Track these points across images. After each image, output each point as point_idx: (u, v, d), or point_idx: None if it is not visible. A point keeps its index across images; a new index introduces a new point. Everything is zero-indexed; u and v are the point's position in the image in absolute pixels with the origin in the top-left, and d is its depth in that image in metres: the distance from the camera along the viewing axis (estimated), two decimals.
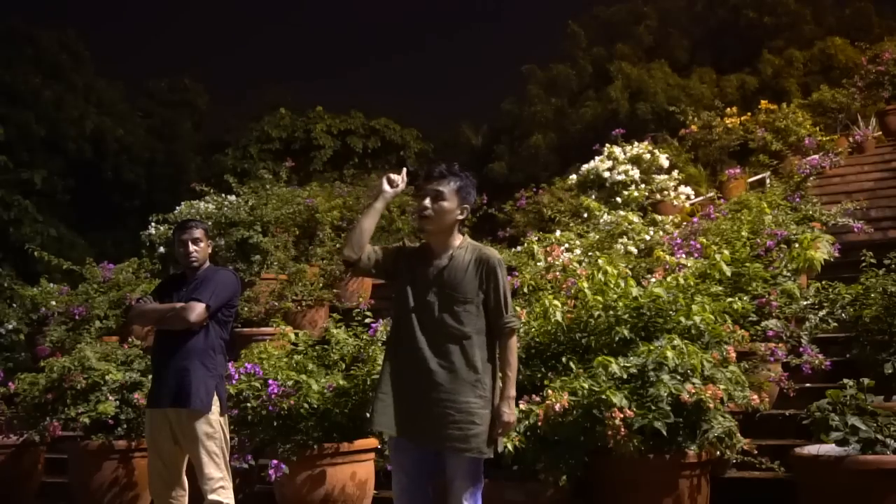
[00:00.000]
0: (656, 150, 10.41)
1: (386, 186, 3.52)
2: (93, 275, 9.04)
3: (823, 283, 6.37)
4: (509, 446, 4.32)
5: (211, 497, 4.15)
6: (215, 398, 4.22)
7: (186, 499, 4.37)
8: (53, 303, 8.68)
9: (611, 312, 5.01)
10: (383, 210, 3.57)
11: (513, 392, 3.45)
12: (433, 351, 3.40)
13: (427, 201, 3.46)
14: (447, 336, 3.40)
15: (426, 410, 3.37)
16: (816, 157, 10.69)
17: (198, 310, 4.19)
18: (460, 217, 3.51)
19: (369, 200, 3.55)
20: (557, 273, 6.18)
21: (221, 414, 4.26)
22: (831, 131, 13.02)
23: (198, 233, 4.38)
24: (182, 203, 9.72)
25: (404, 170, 3.59)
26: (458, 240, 3.54)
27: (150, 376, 6.06)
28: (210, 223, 8.96)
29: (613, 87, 18.79)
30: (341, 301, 8.32)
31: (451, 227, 3.51)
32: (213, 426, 4.19)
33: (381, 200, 3.53)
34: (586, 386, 4.41)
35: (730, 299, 5.35)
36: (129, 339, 6.99)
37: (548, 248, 6.86)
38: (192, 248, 4.34)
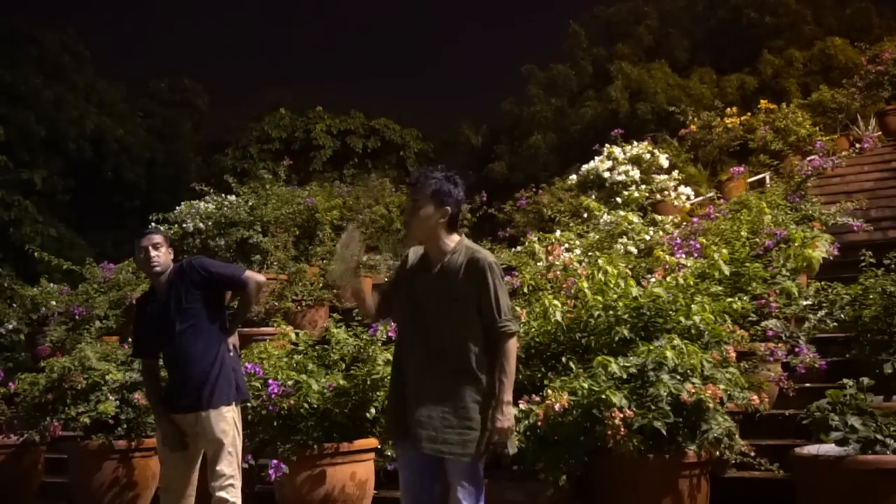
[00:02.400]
0: (656, 151, 10.40)
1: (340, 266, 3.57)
2: (93, 275, 9.04)
3: (823, 283, 6.36)
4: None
5: (219, 494, 4.13)
6: (234, 392, 4.23)
7: (193, 499, 4.37)
8: (53, 303, 8.68)
9: (611, 312, 5.01)
10: (358, 287, 3.62)
11: (507, 397, 3.38)
12: (430, 356, 3.41)
13: (406, 212, 3.50)
14: (444, 340, 3.40)
15: (425, 415, 3.38)
16: (818, 158, 10.64)
17: (255, 277, 4.28)
18: (442, 220, 3.45)
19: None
20: (558, 273, 6.18)
21: (236, 404, 4.25)
22: (831, 131, 13.01)
23: (157, 238, 4.30)
24: (182, 203, 9.72)
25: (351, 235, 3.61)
26: (453, 242, 3.50)
27: None
28: (210, 223, 8.97)
29: (613, 87, 18.79)
30: (341, 301, 8.32)
31: (435, 231, 3.46)
32: (228, 423, 4.20)
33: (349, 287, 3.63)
34: (586, 386, 4.41)
35: (729, 299, 5.35)
36: (130, 339, 6.98)
37: (548, 248, 6.85)
38: (153, 252, 4.24)
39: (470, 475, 3.42)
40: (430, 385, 3.39)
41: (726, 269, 5.75)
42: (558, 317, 5.11)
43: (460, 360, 3.39)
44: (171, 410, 4.30)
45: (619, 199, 9.47)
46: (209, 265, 4.31)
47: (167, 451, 4.31)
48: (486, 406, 3.40)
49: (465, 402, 3.36)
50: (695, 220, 8.02)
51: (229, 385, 4.21)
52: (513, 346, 3.43)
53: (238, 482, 4.22)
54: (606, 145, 10.44)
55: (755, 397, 4.63)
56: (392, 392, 3.61)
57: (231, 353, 4.28)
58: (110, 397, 5.96)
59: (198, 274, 4.22)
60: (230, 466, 4.18)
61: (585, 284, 5.31)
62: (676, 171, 10.28)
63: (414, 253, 3.64)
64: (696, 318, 4.85)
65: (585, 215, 8.85)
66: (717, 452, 4.44)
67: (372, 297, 3.65)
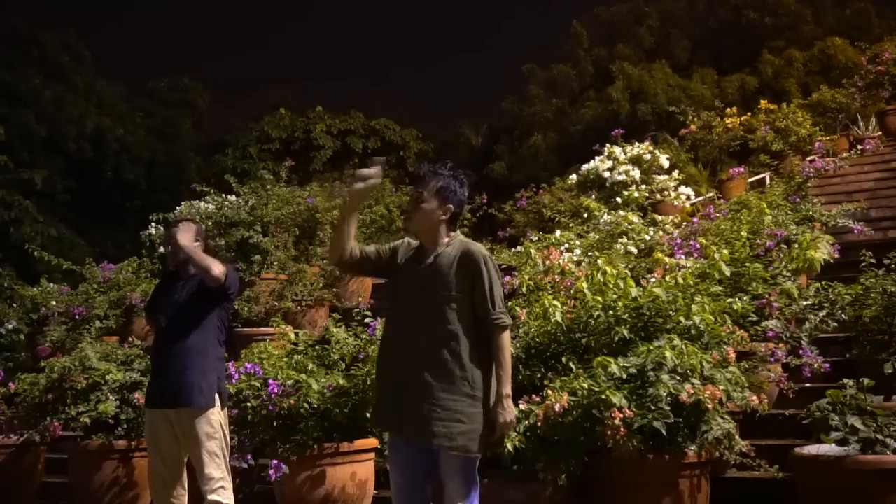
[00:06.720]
0: (656, 151, 10.39)
1: (358, 184, 3.41)
2: (93, 275, 9.04)
3: (823, 283, 6.36)
4: (509, 446, 4.32)
5: (211, 497, 4.16)
6: (216, 397, 4.23)
7: (186, 498, 4.38)
8: (53, 303, 8.68)
9: (610, 313, 5.01)
10: (354, 208, 3.51)
11: (507, 390, 3.38)
12: (421, 348, 3.39)
13: (409, 203, 3.49)
14: (434, 333, 3.38)
15: (413, 407, 3.36)
16: (818, 159, 10.61)
17: (221, 267, 4.20)
18: (443, 217, 3.48)
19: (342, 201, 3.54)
20: (556, 275, 6.18)
21: (221, 408, 4.27)
22: (831, 131, 13.01)
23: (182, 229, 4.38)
24: (182, 203, 9.73)
25: (376, 168, 3.44)
26: (448, 237, 3.52)
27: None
28: (210, 223, 8.96)
29: (614, 87, 18.80)
30: (341, 301, 8.32)
31: (435, 227, 3.49)
32: (214, 426, 4.19)
33: (350, 197, 3.48)
34: (586, 386, 4.41)
35: (730, 300, 5.35)
36: (130, 339, 6.99)
37: (544, 252, 6.83)
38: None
39: (462, 471, 3.39)
40: (420, 378, 3.36)
41: (726, 270, 5.74)
42: (558, 317, 5.11)
43: (451, 354, 3.36)
44: (154, 405, 4.31)
45: (619, 199, 9.46)
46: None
47: (154, 447, 4.32)
48: (479, 400, 3.38)
49: (456, 396, 3.34)
50: (695, 220, 8.01)
51: (211, 389, 4.22)
52: (506, 339, 3.42)
53: (228, 483, 4.24)
54: (607, 145, 10.42)
55: (754, 398, 4.62)
56: (381, 383, 3.58)
57: (218, 361, 4.31)
58: (110, 397, 5.96)
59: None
60: (218, 469, 4.19)
61: (584, 285, 5.31)
62: (677, 171, 10.26)
63: (408, 244, 3.65)
64: (696, 319, 4.85)
65: (585, 215, 8.83)
66: (717, 453, 4.44)
67: (356, 243, 3.54)
